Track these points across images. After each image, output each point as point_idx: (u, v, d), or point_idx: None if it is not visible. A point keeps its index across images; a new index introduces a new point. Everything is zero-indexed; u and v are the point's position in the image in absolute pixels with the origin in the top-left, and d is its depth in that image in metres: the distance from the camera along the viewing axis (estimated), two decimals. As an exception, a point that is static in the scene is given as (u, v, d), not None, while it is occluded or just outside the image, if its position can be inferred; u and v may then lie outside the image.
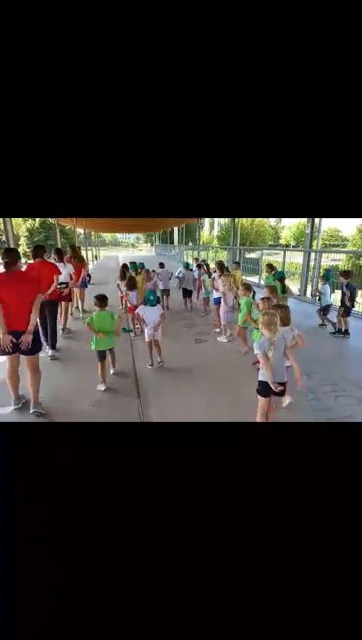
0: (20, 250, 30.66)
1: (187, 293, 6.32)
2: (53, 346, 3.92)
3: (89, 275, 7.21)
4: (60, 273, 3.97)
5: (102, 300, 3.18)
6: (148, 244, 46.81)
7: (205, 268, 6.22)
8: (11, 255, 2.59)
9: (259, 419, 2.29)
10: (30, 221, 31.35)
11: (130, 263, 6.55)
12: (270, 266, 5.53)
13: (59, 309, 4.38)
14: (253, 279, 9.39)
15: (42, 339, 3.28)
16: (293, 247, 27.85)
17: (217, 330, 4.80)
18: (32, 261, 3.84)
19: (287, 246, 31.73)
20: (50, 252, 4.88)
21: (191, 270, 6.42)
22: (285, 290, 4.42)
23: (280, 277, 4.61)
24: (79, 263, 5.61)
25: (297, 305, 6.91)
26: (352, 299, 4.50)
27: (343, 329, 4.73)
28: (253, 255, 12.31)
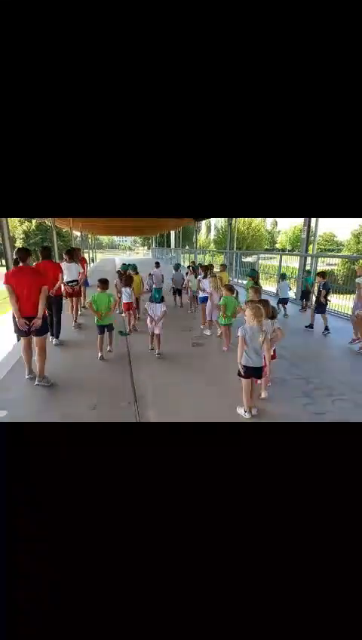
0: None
1: (177, 292, 7.07)
2: (57, 336, 4.48)
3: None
4: (62, 272, 4.59)
5: (103, 283, 3.94)
6: (145, 247, 46.90)
7: (192, 270, 6.77)
8: (21, 253, 3.20)
9: (244, 397, 2.69)
10: (27, 223, 31.26)
11: (123, 264, 7.20)
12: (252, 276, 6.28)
13: (70, 304, 5.28)
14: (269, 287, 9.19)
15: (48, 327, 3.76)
16: (289, 251, 28.11)
17: (202, 326, 5.32)
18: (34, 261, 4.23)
19: (283, 250, 32.02)
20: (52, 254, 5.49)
21: (179, 271, 7.22)
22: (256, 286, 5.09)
23: (252, 275, 5.70)
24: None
25: (294, 308, 6.97)
26: (326, 297, 5.08)
27: (324, 325, 5.21)
28: (249, 259, 12.38)
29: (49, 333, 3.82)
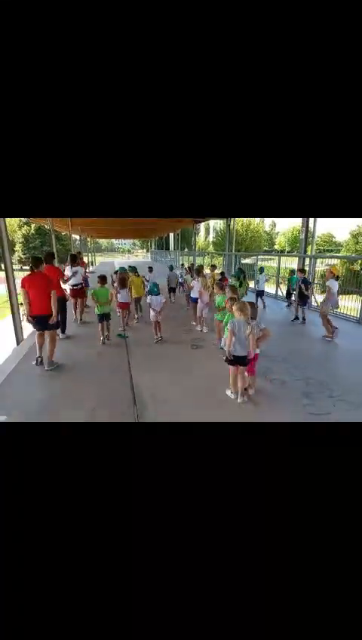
0: (15, 256, 30.68)
1: (171, 290, 7.94)
2: (63, 331, 5.19)
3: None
4: (63, 276, 5.17)
5: (102, 279, 4.97)
6: (144, 250, 46.97)
7: (187, 269, 7.62)
8: (34, 261, 3.92)
9: (231, 382, 3.13)
10: (26, 227, 31.33)
11: (120, 267, 7.80)
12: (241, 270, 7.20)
13: (76, 303, 5.99)
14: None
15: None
16: (288, 252, 28.16)
17: (193, 323, 5.77)
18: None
19: (282, 251, 32.08)
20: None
21: (174, 271, 8.09)
22: (241, 285, 6.03)
23: (237, 275, 6.33)
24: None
25: (290, 310, 6.98)
26: (306, 290, 5.95)
27: (301, 317, 5.98)
28: (248, 260, 12.40)
29: (59, 330, 4.68)
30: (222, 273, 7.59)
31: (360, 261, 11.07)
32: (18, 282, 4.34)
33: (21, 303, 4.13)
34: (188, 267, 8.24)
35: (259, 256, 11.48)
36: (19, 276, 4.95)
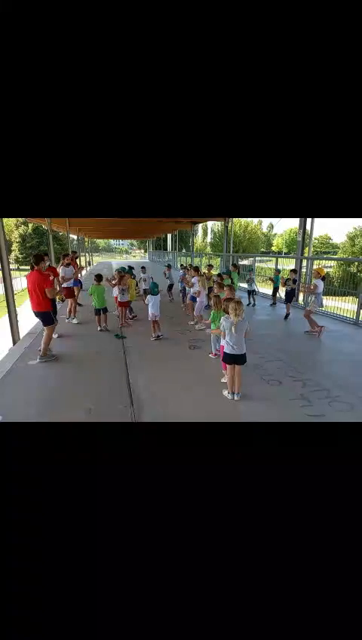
0: (12, 256, 30.50)
1: (169, 288, 8.11)
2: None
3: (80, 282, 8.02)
4: (57, 275, 5.15)
5: (99, 278, 5.40)
6: (142, 251, 46.96)
7: (188, 268, 7.71)
8: (33, 259, 4.09)
9: (228, 382, 3.13)
10: (23, 227, 31.20)
11: (120, 267, 7.85)
12: (235, 266, 8.02)
13: (67, 303, 6.13)
14: (243, 285, 9.54)
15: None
16: (285, 254, 28.27)
17: (192, 322, 5.82)
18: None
19: (279, 253, 32.21)
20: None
21: (171, 270, 8.44)
22: (232, 282, 6.43)
23: (227, 272, 6.87)
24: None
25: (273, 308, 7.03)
26: (297, 288, 6.58)
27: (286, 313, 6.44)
28: (245, 262, 12.44)
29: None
30: (219, 275, 7.68)
31: (356, 263, 11.13)
32: (15, 282, 4.37)
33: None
34: (189, 265, 8.42)
35: (257, 258, 11.53)
36: (17, 276, 4.96)
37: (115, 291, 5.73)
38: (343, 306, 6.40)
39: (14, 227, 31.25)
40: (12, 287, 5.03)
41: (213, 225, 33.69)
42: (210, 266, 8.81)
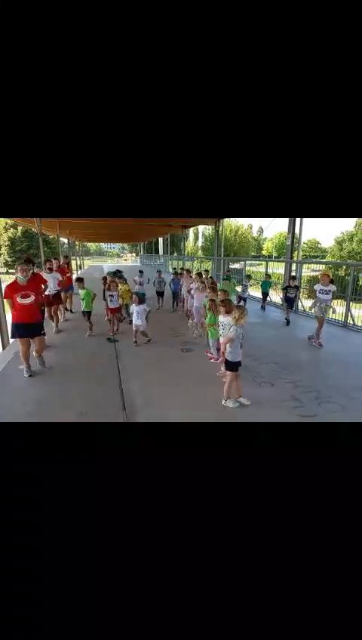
0: (1, 260, 29.95)
1: (159, 294, 7.60)
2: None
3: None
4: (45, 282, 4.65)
5: (80, 280, 5.63)
6: (133, 254, 46.87)
7: (182, 274, 7.39)
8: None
9: (228, 389, 3.08)
10: (12, 230, 30.77)
11: (108, 272, 7.86)
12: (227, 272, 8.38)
13: (50, 312, 5.52)
14: (237, 288, 9.62)
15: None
16: (275, 257, 28.65)
17: (196, 331, 5.48)
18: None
19: (269, 257, 32.61)
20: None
21: (161, 276, 7.76)
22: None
23: (226, 278, 7.13)
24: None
25: (280, 315, 7.11)
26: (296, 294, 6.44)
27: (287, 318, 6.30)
28: (236, 265, 12.55)
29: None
30: (211, 277, 7.72)
31: (344, 266, 11.38)
32: (4, 286, 4.16)
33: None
34: (183, 270, 7.99)
35: (247, 262, 11.66)
36: (5, 280, 4.80)
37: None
38: (336, 309, 6.52)
39: (3, 230, 30.79)
40: (1, 291, 4.85)
41: (204, 229, 33.94)
42: (206, 271, 8.92)
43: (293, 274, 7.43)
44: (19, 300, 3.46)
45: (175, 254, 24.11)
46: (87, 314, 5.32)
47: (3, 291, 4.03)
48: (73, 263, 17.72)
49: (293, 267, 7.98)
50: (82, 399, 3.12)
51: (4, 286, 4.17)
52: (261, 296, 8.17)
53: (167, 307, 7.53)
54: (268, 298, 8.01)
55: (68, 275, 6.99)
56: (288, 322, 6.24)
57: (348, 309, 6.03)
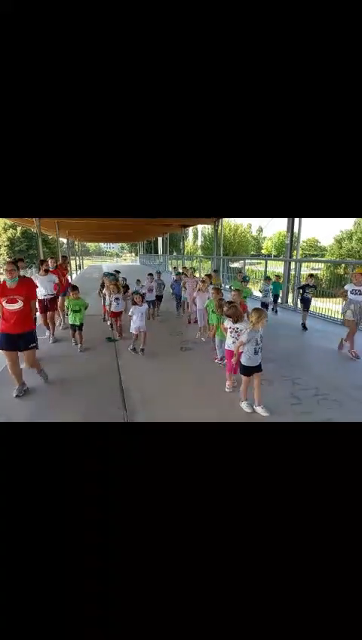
0: (1, 260, 29.90)
1: (158, 298, 6.72)
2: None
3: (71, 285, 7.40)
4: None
5: (76, 290, 4.60)
6: (133, 254, 46.81)
7: (185, 274, 6.71)
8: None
9: (242, 389, 2.95)
10: (11, 230, 30.72)
11: (108, 273, 6.60)
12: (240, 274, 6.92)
13: (46, 319, 4.85)
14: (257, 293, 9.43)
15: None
16: (274, 256, 28.65)
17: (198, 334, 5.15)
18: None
19: (269, 255, 32.60)
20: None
21: (161, 278, 6.94)
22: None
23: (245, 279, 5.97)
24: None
25: (280, 312, 7.12)
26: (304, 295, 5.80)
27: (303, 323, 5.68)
28: (236, 265, 12.55)
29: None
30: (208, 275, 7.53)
31: (344, 265, 11.39)
32: None
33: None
34: (187, 269, 7.30)
35: (247, 260, 11.66)
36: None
37: (106, 300, 5.17)
38: (331, 306, 6.53)
39: (2, 230, 30.74)
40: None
41: (204, 228, 33.91)
42: (216, 272, 8.14)
43: (312, 272, 6.77)
44: (4, 304, 2.99)
45: (174, 254, 24.09)
46: (79, 327, 4.50)
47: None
48: (72, 263, 17.64)
49: (292, 265, 7.99)
50: (82, 400, 3.13)
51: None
52: (263, 299, 7.52)
53: (166, 313, 6.79)
54: (278, 300, 7.27)
55: (66, 276, 6.25)
56: (305, 327, 5.58)
57: (347, 307, 6.03)
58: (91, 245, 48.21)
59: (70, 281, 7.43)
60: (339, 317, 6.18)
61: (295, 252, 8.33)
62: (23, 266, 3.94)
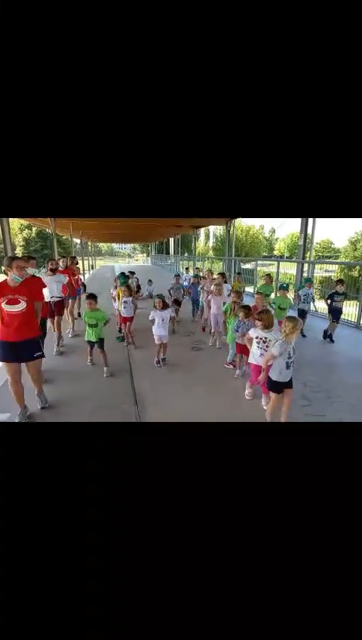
0: (16, 259, 30.51)
1: (176, 303, 6.03)
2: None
3: (84, 285, 7.35)
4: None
5: (93, 299, 3.69)
6: (145, 255, 47.09)
7: (205, 277, 6.09)
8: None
9: (269, 407, 2.66)
10: (27, 231, 31.45)
11: (121, 274, 6.30)
12: (269, 276, 6.11)
13: (53, 323, 4.32)
14: (248, 289, 9.50)
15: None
16: (287, 258, 28.29)
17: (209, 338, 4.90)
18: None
19: (281, 257, 32.21)
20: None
21: (179, 281, 6.43)
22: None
23: (283, 287, 4.91)
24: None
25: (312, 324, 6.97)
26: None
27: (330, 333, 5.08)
28: (248, 266, 12.47)
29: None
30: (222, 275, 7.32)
31: (358, 267, 11.14)
32: None
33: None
34: (206, 271, 6.66)
35: (259, 262, 11.57)
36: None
37: (115, 305, 4.86)
38: (345, 309, 6.40)
39: (18, 231, 31.49)
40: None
41: (215, 229, 33.80)
42: (239, 274, 8.03)
43: (342, 277, 5.85)
44: (4, 306, 2.50)
45: (186, 254, 24.12)
46: (98, 344, 3.67)
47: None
48: (85, 263, 17.83)
49: (305, 267, 7.89)
50: (93, 399, 3.17)
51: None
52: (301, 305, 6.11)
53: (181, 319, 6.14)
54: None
55: (76, 277, 5.66)
56: (331, 339, 4.96)
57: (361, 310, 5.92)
58: (103, 246, 48.77)
59: (82, 280, 7.07)
60: (353, 320, 6.07)
61: (308, 253, 8.22)
62: (34, 265, 3.58)
